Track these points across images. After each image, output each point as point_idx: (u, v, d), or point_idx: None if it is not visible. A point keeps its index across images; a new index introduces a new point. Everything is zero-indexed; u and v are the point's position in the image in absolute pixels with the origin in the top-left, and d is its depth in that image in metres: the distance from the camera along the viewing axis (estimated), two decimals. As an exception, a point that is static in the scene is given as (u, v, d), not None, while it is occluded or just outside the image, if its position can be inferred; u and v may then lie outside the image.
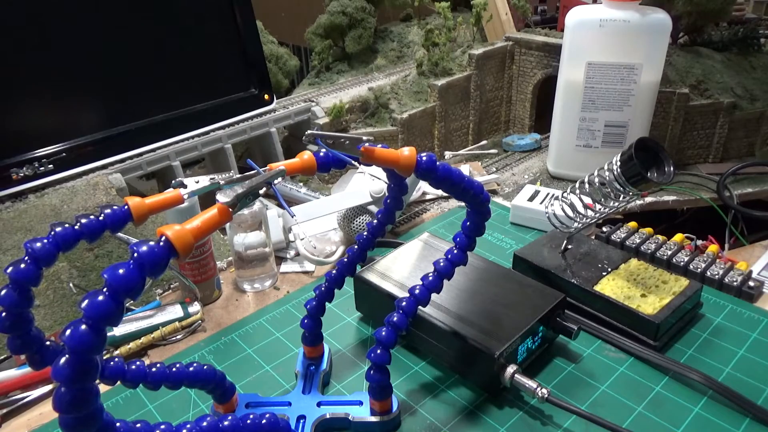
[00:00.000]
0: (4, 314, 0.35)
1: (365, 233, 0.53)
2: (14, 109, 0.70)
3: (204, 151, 0.86)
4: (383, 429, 0.50)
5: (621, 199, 0.59)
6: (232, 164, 0.88)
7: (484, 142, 1.13)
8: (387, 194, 0.51)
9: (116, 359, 0.41)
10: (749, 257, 0.75)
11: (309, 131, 0.40)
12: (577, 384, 0.54)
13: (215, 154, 0.89)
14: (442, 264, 0.47)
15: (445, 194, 0.91)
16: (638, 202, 0.89)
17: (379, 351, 0.45)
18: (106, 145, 0.76)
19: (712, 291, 0.66)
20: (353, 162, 0.41)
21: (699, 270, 0.66)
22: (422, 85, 1.04)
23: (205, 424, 0.38)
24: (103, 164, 0.76)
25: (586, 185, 0.61)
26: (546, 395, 0.49)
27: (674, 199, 0.90)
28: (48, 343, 0.39)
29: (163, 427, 0.38)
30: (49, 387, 0.56)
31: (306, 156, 0.41)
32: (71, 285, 0.64)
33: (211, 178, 0.51)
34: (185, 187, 0.44)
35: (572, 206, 0.64)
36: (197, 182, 0.52)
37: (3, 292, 0.34)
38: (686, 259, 0.68)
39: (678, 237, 0.74)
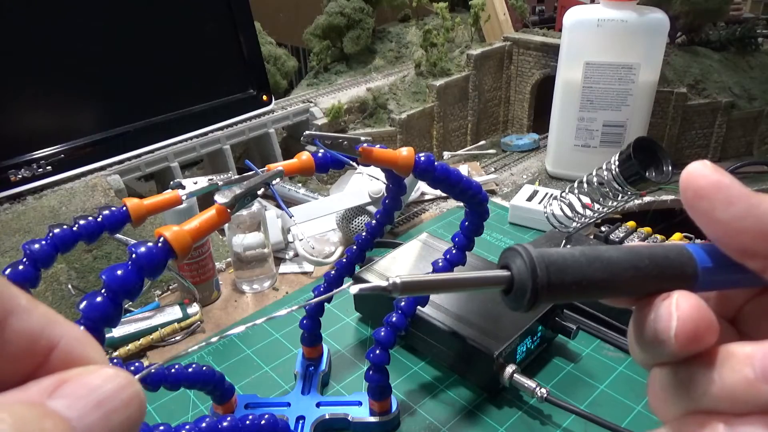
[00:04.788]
0: (2, 316, 0.35)
1: (364, 234, 0.53)
2: (13, 110, 0.70)
3: (202, 152, 0.86)
4: (382, 429, 0.50)
5: (619, 198, 0.59)
6: (230, 165, 0.88)
7: (482, 142, 1.13)
8: (385, 194, 0.51)
9: (115, 361, 0.41)
10: (748, 256, 0.75)
11: (307, 132, 0.40)
12: (576, 383, 0.54)
13: (214, 155, 0.89)
14: (440, 264, 0.47)
15: (443, 194, 0.91)
16: (637, 201, 0.89)
17: (378, 351, 0.45)
18: (104, 146, 0.76)
19: (710, 290, 0.66)
20: (352, 162, 0.41)
21: (697, 269, 0.66)
22: (420, 85, 1.04)
23: (204, 425, 0.38)
24: (102, 165, 0.76)
25: (585, 185, 0.61)
26: (545, 395, 0.49)
27: (673, 198, 0.90)
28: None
29: (162, 428, 0.38)
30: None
31: (304, 156, 0.41)
32: (70, 286, 0.64)
33: (209, 179, 0.51)
34: (183, 188, 0.44)
35: (571, 206, 0.64)
36: (195, 183, 0.52)
37: (1, 293, 0.34)
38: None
39: (677, 236, 0.74)
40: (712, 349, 0.18)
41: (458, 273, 0.19)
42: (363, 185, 0.75)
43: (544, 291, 0.18)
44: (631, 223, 0.76)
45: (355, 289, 0.19)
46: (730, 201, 0.18)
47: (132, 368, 0.42)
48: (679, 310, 0.18)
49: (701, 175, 0.19)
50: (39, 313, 0.14)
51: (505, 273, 0.19)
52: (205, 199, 0.60)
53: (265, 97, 0.93)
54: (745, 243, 0.18)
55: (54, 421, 0.12)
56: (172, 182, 0.55)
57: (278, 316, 0.20)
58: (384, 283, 0.18)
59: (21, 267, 0.34)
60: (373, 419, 0.49)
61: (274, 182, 0.36)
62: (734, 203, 0.18)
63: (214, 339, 0.20)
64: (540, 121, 1.12)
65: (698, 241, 0.80)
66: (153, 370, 0.21)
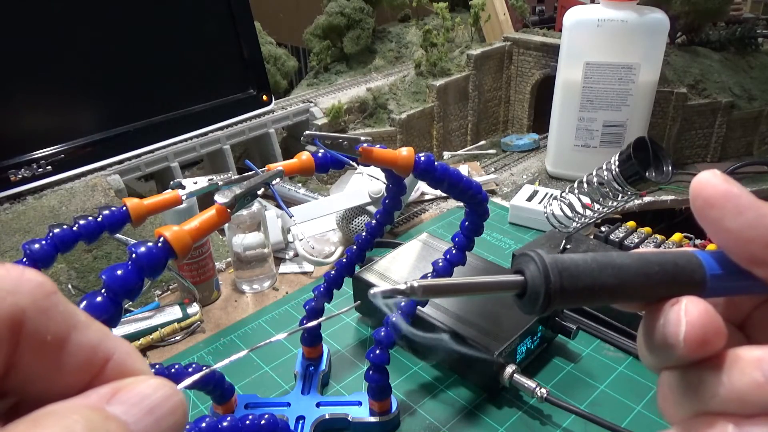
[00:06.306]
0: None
1: (364, 233, 0.53)
2: (13, 110, 0.70)
3: (202, 152, 0.86)
4: (382, 429, 0.50)
5: (619, 198, 0.59)
6: (230, 165, 0.88)
7: (482, 143, 1.13)
8: (385, 194, 0.51)
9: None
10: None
11: (307, 132, 0.40)
12: (576, 383, 0.54)
13: (214, 155, 0.89)
14: (440, 264, 0.47)
15: (443, 194, 0.91)
16: (637, 201, 0.89)
17: (378, 351, 0.45)
18: (104, 146, 0.76)
19: (710, 290, 0.66)
20: (352, 162, 0.41)
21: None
22: (420, 85, 1.04)
23: (204, 425, 0.38)
24: (102, 165, 0.76)
25: (585, 185, 0.61)
26: (545, 395, 0.49)
27: (673, 198, 0.90)
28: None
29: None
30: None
31: (304, 156, 0.41)
32: (70, 286, 0.64)
33: (209, 179, 0.51)
34: (183, 188, 0.44)
35: (571, 206, 0.64)
36: (195, 183, 0.52)
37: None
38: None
39: (677, 236, 0.74)
40: (721, 352, 0.18)
41: (473, 278, 0.20)
42: (363, 185, 0.75)
43: (557, 296, 0.19)
44: (631, 223, 0.76)
45: (375, 292, 0.19)
46: (739, 210, 0.19)
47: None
48: (687, 315, 0.18)
49: (711, 184, 0.19)
50: (95, 328, 0.15)
51: (519, 278, 0.20)
52: (205, 199, 0.60)
53: (265, 97, 0.93)
54: (753, 251, 0.19)
55: (116, 424, 0.14)
56: (172, 182, 0.55)
57: (299, 330, 0.20)
58: (403, 287, 0.19)
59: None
60: (373, 419, 0.49)
61: (274, 182, 0.36)
62: (743, 213, 0.18)
63: (242, 353, 0.21)
64: (540, 121, 1.12)
65: (699, 241, 0.79)
66: (198, 377, 0.22)
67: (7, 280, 0.14)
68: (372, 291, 0.19)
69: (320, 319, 0.24)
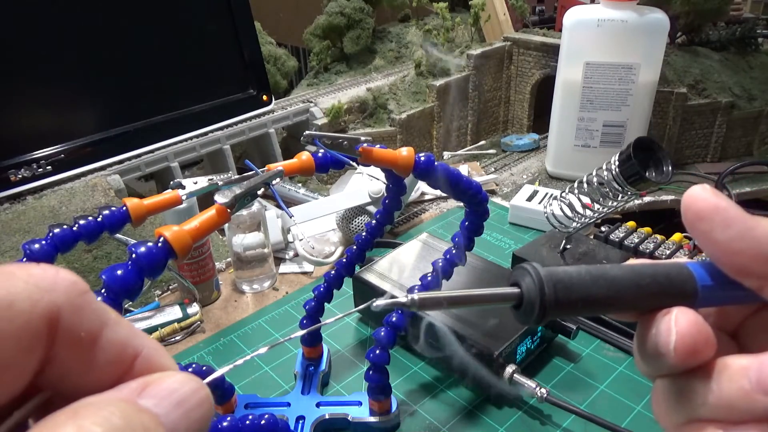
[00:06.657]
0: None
1: (364, 234, 0.53)
2: (13, 110, 0.70)
3: (202, 152, 0.86)
4: (382, 429, 0.50)
5: (619, 198, 0.59)
6: (230, 165, 0.88)
7: (482, 142, 1.13)
8: (385, 194, 0.51)
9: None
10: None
11: (307, 132, 0.40)
12: (576, 383, 0.54)
13: (214, 155, 0.89)
14: (440, 264, 0.47)
15: (443, 194, 0.91)
16: (637, 201, 0.89)
17: (378, 351, 0.45)
18: (104, 146, 0.76)
19: (710, 290, 0.66)
20: (352, 162, 0.41)
21: (697, 269, 0.66)
22: (420, 85, 1.04)
23: (204, 425, 0.38)
24: (102, 165, 0.76)
25: (585, 185, 0.61)
26: (545, 395, 0.49)
27: (673, 198, 0.90)
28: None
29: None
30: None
31: (304, 156, 0.41)
32: (70, 286, 0.64)
33: (209, 179, 0.51)
34: (183, 188, 0.44)
35: (571, 206, 0.64)
36: (195, 183, 0.52)
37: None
38: (685, 258, 0.68)
39: (677, 236, 0.74)
40: (711, 361, 0.19)
41: (471, 290, 0.20)
42: (363, 185, 0.75)
43: (552, 307, 0.20)
44: (631, 223, 0.76)
45: (378, 304, 0.20)
46: (727, 223, 0.19)
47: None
48: (678, 325, 0.19)
49: (701, 198, 0.20)
50: (125, 325, 0.16)
51: (515, 290, 0.20)
52: (205, 199, 0.60)
53: (265, 97, 0.93)
54: (741, 263, 0.20)
55: (149, 416, 0.14)
56: (172, 182, 0.55)
57: (301, 334, 0.20)
58: (403, 299, 0.20)
59: (21, 267, 0.34)
60: (373, 419, 0.49)
61: (274, 182, 0.36)
62: (731, 225, 0.19)
63: (262, 350, 0.22)
64: (540, 121, 1.12)
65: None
66: (218, 376, 0.22)
67: (43, 280, 0.14)
68: (374, 305, 0.20)
69: (338, 316, 0.24)
